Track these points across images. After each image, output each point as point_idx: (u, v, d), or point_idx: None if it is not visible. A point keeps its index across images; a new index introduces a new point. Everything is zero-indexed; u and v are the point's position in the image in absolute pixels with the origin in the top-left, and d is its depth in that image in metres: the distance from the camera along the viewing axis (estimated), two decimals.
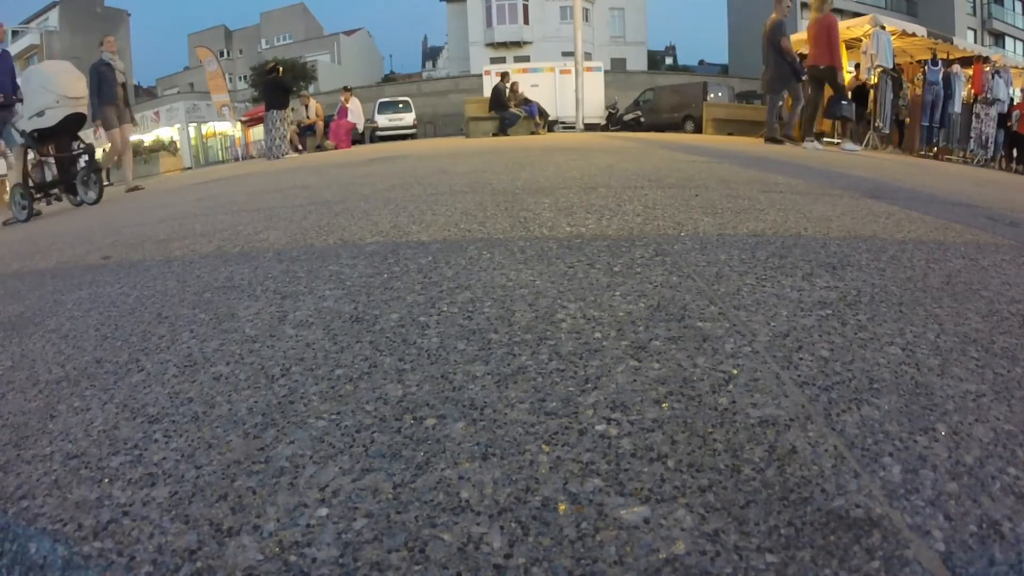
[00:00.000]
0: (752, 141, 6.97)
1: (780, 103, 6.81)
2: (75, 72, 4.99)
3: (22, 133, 4.77)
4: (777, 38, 6.27)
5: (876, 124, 7.90)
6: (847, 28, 9.55)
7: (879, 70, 7.76)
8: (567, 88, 15.55)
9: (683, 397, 0.78)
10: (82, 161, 5.00)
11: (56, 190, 4.97)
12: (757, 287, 1.17)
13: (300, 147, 10.52)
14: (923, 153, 8.43)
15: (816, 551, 0.54)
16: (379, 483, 0.65)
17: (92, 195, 4.88)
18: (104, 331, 1.19)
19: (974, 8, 28.36)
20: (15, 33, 33.54)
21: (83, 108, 4.97)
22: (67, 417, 0.85)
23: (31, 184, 4.86)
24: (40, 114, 4.65)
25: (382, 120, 17.62)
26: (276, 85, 9.78)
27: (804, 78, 6.48)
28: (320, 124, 11.60)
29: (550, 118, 12.71)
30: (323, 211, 2.22)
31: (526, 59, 25.27)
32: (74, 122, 4.89)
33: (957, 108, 8.87)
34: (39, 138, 4.79)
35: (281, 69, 10.60)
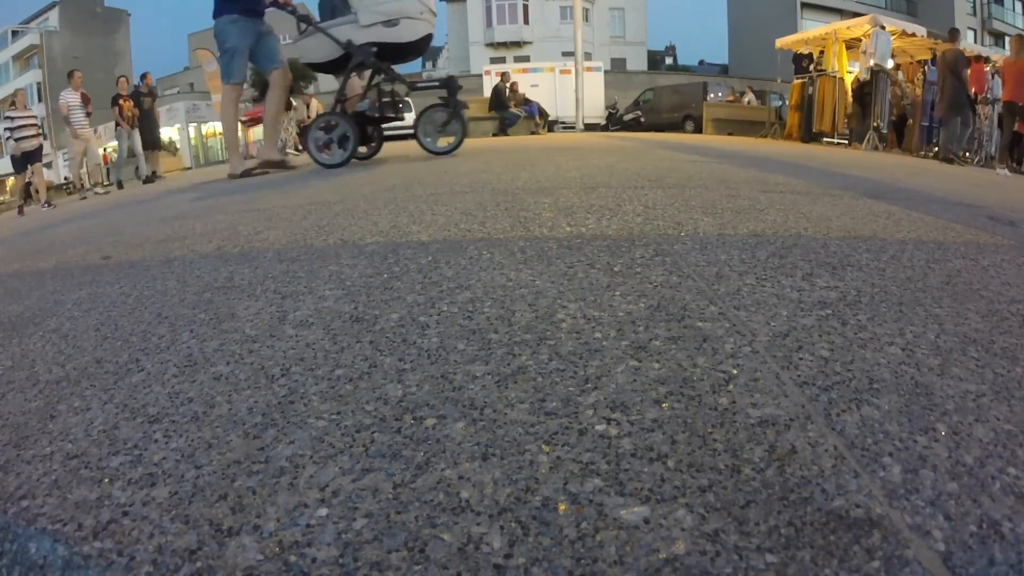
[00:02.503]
0: (752, 141, 6.98)
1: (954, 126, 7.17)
2: None
3: (347, 44, 3.50)
4: (960, 69, 7.07)
5: (875, 124, 7.91)
6: (847, 28, 9.56)
7: (875, 69, 7.79)
8: (567, 88, 15.54)
9: (683, 397, 0.78)
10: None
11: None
12: (757, 287, 1.17)
13: (300, 147, 10.51)
14: (923, 153, 8.43)
15: (816, 551, 0.54)
16: (379, 483, 0.65)
17: (446, 143, 3.74)
18: (104, 331, 1.19)
19: (974, 8, 28.37)
20: (15, 33, 33.55)
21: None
22: (67, 417, 0.85)
23: (351, 112, 3.67)
24: (392, 23, 3.50)
25: None
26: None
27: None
28: None
29: (550, 118, 12.71)
30: (323, 211, 2.22)
31: (526, 59, 25.27)
32: (426, 44, 3.77)
33: None
34: (380, 55, 3.58)
35: None
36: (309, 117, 11.25)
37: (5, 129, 7.76)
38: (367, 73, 3.93)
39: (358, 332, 1.04)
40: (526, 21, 27.82)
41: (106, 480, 0.69)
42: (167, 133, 24.97)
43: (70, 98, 7.86)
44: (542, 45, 27.07)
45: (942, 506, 0.60)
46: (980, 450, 0.68)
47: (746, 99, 15.11)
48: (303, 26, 3.85)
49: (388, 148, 5.16)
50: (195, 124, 24.72)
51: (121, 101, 8.34)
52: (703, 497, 0.61)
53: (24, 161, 7.74)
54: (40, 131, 7.91)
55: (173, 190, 4.50)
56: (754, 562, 0.53)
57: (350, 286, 1.28)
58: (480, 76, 19.58)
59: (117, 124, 8.43)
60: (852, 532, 0.56)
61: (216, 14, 3.85)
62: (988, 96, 9.07)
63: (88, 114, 8.09)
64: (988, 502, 0.60)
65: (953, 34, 7.87)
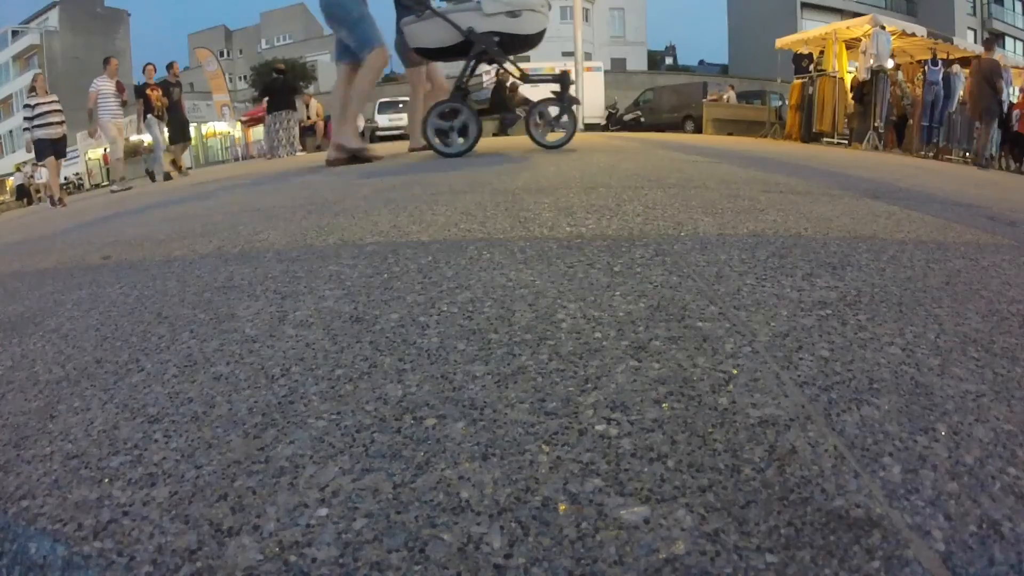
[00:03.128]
0: (752, 141, 6.99)
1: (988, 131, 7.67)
2: None
3: (469, 32, 3.40)
4: (995, 79, 7.52)
5: (875, 124, 7.92)
6: (847, 28, 9.56)
7: (875, 69, 7.82)
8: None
9: (683, 397, 0.78)
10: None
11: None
12: (757, 287, 1.17)
13: (302, 147, 10.52)
14: (923, 153, 8.44)
15: (816, 551, 0.54)
16: (379, 483, 0.65)
17: (557, 137, 3.73)
18: (104, 331, 1.19)
19: (974, 8, 28.37)
20: (15, 33, 33.55)
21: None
22: (67, 417, 0.85)
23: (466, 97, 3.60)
24: (515, 14, 3.43)
25: (382, 120, 17.62)
26: (284, 86, 9.84)
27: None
28: (320, 124, 11.61)
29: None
30: (323, 211, 2.22)
31: (526, 59, 25.24)
32: (540, 39, 3.64)
33: (953, 108, 8.89)
34: (500, 45, 3.48)
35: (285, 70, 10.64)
36: (309, 117, 11.26)
37: (26, 119, 7.03)
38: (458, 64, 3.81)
39: (358, 332, 1.04)
40: None
41: (106, 480, 0.69)
42: (166, 133, 25.03)
43: (102, 85, 7.30)
44: (542, 45, 27.02)
45: (942, 506, 0.60)
46: (980, 450, 0.68)
47: (725, 96, 15.12)
48: (418, 10, 3.69)
49: (389, 148, 5.15)
50: (195, 124, 24.70)
51: (149, 91, 7.93)
52: (703, 497, 0.61)
53: (50, 149, 7.05)
54: (64, 119, 7.21)
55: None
56: (754, 562, 0.53)
57: (350, 286, 1.28)
58: (480, 76, 19.57)
59: (146, 115, 7.93)
60: (852, 532, 0.56)
61: None
62: None
63: (123, 103, 7.61)
64: (988, 502, 0.60)
65: (989, 43, 8.21)
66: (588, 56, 17.57)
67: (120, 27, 36.38)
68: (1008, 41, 28.56)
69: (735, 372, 0.84)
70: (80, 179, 24.44)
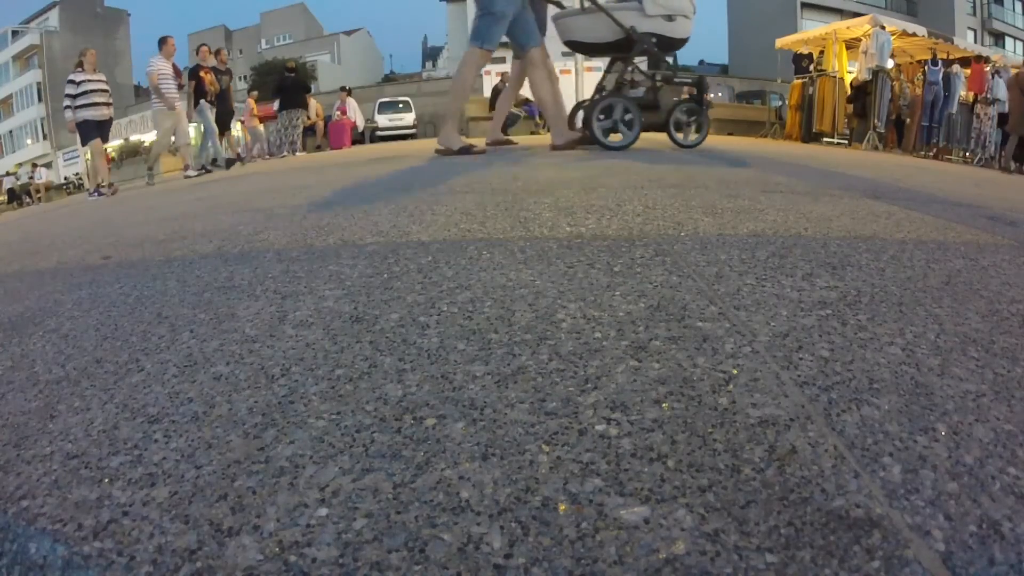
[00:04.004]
0: (752, 141, 7.00)
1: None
2: None
3: (631, 30, 3.56)
4: None
5: (874, 123, 7.92)
6: (847, 28, 9.56)
7: (875, 69, 7.82)
8: (567, 88, 15.53)
9: (683, 397, 0.78)
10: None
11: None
12: (757, 287, 1.17)
13: (301, 147, 10.53)
14: (923, 153, 8.44)
15: (816, 551, 0.54)
16: (379, 483, 0.65)
17: (693, 137, 3.91)
18: (104, 331, 1.19)
19: (974, 8, 28.36)
20: (15, 33, 33.55)
21: None
22: (67, 417, 0.85)
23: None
24: (671, 17, 3.62)
25: (382, 120, 17.61)
26: (296, 84, 9.82)
27: None
28: (320, 124, 11.61)
29: None
30: (323, 211, 2.22)
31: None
32: (684, 44, 3.84)
33: (953, 108, 8.90)
34: (659, 45, 3.68)
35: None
36: (309, 117, 11.25)
37: (68, 95, 6.16)
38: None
39: (358, 332, 1.04)
40: None
41: (106, 480, 0.69)
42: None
43: (161, 65, 6.65)
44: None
45: (942, 506, 0.60)
46: (980, 450, 0.68)
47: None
48: (578, 5, 3.79)
49: (388, 148, 5.15)
50: (195, 124, 24.73)
51: (203, 73, 7.31)
52: (703, 497, 0.61)
53: (96, 131, 6.25)
54: (112, 101, 6.47)
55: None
56: (754, 562, 0.53)
57: (350, 286, 1.28)
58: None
59: (198, 99, 7.29)
60: (852, 532, 0.56)
61: None
62: (988, 96, 9.07)
63: (180, 86, 6.95)
64: (988, 502, 0.60)
65: None
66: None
67: (120, 27, 36.38)
68: (1008, 41, 28.56)
69: (735, 372, 0.84)
70: (80, 179, 24.43)
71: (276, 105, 10.03)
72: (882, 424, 0.72)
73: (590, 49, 3.98)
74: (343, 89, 12.28)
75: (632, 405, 0.76)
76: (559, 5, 3.98)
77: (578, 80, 12.55)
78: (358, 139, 12.39)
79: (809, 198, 2.18)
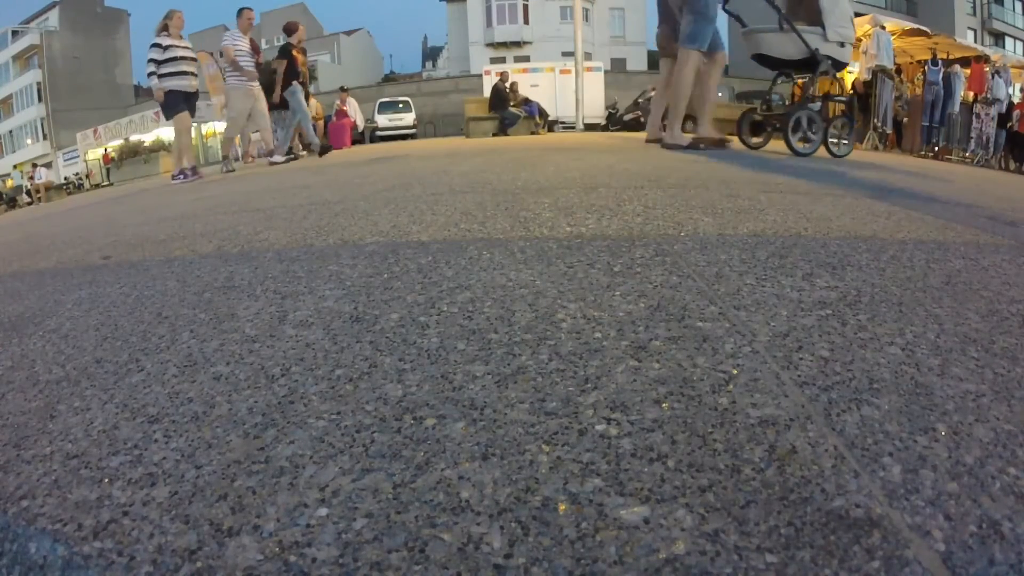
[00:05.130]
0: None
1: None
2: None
3: (815, 51, 4.00)
4: None
5: (875, 124, 7.91)
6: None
7: (876, 69, 7.80)
8: (567, 88, 15.55)
9: (683, 397, 0.78)
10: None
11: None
12: (757, 287, 1.17)
13: (301, 147, 10.52)
14: (923, 153, 8.44)
15: (816, 551, 0.54)
16: (379, 483, 0.65)
17: (844, 148, 4.28)
18: (104, 331, 1.19)
19: (974, 8, 28.36)
20: (15, 33, 33.56)
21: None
22: (67, 417, 0.85)
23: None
24: (843, 44, 4.06)
25: (382, 120, 17.63)
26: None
27: None
28: (320, 124, 11.61)
29: (550, 118, 12.72)
30: (323, 211, 2.22)
31: (526, 59, 25.29)
32: (843, 68, 4.40)
33: (955, 108, 8.89)
34: (833, 67, 4.16)
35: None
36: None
37: (152, 61, 5.45)
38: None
39: (358, 332, 1.04)
40: (526, 21, 27.83)
41: (106, 480, 0.69)
42: (167, 133, 24.96)
43: (238, 42, 5.99)
44: (542, 45, 27.07)
45: (942, 506, 0.59)
46: (980, 450, 0.68)
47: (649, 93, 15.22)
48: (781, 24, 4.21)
49: (388, 148, 5.14)
50: (195, 124, 24.73)
51: (295, 51, 6.62)
52: (703, 497, 0.61)
53: (183, 104, 5.63)
54: (198, 72, 5.82)
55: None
56: (754, 562, 0.53)
57: (350, 286, 1.28)
58: (480, 76, 19.59)
59: (289, 80, 6.64)
60: (852, 532, 0.56)
61: None
62: (988, 96, 9.07)
63: (259, 64, 6.27)
64: (988, 502, 0.60)
65: None
66: (588, 56, 17.57)
67: (120, 27, 36.37)
68: (1008, 41, 28.56)
69: (735, 372, 0.84)
70: (80, 179, 24.42)
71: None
72: (882, 424, 0.72)
73: (775, 64, 4.36)
74: (343, 89, 12.28)
75: (632, 405, 0.76)
76: (741, 22, 4.43)
77: (578, 80, 12.56)
78: (358, 139, 12.38)
79: (809, 198, 2.18)
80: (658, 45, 4.93)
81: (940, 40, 9.34)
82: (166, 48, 5.41)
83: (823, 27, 4.06)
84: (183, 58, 5.50)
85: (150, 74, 5.51)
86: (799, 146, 4.09)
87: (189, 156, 5.85)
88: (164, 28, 5.52)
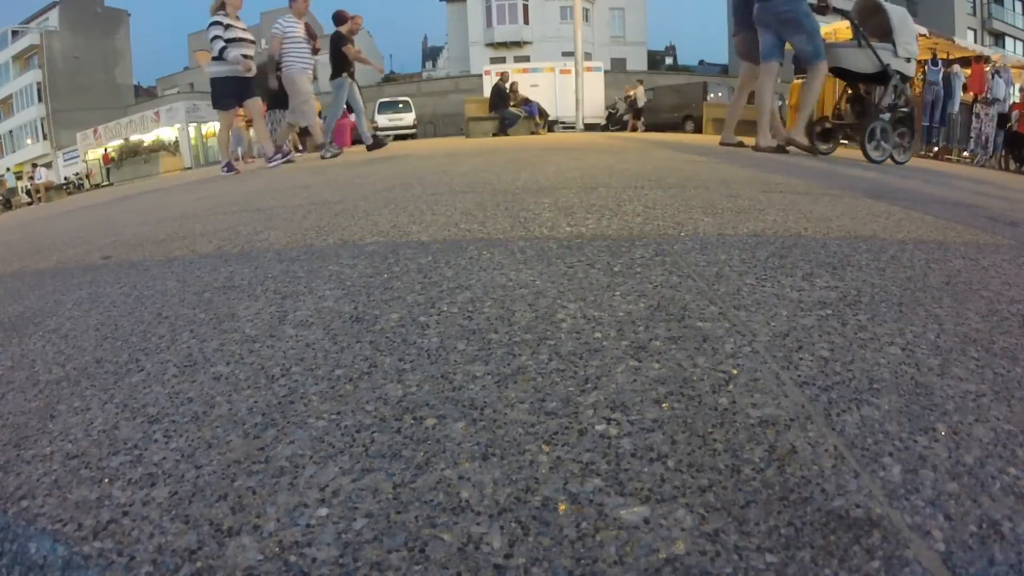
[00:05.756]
0: (752, 141, 7.01)
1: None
2: None
3: (887, 66, 4.38)
4: None
5: None
6: (847, 28, 9.55)
7: None
8: (567, 88, 15.57)
9: (683, 397, 0.78)
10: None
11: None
12: (757, 287, 1.17)
13: (300, 147, 10.51)
14: (923, 153, 8.43)
15: (816, 551, 0.54)
16: (379, 483, 0.65)
17: (905, 156, 4.68)
18: (104, 331, 1.19)
19: (974, 8, 28.36)
20: (15, 33, 33.56)
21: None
22: (67, 417, 0.85)
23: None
24: (909, 60, 4.54)
25: (382, 120, 17.64)
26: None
27: None
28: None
29: (550, 118, 12.72)
30: (323, 211, 2.22)
31: (526, 59, 25.29)
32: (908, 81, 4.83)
33: (956, 108, 8.89)
34: (902, 79, 4.58)
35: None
36: None
37: (216, 38, 5.09)
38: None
39: (358, 332, 1.04)
40: (526, 21, 27.84)
41: (106, 480, 0.69)
42: (167, 133, 25.00)
43: (289, 27, 5.56)
44: (542, 45, 27.08)
45: (942, 506, 0.60)
46: (980, 450, 0.68)
47: (633, 92, 15.27)
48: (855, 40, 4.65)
49: (388, 148, 5.14)
50: (195, 124, 24.71)
51: (348, 47, 6.26)
52: (703, 497, 0.61)
53: (247, 90, 5.22)
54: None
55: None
56: (754, 562, 0.53)
57: (350, 286, 1.28)
58: (480, 76, 19.59)
59: (339, 71, 6.32)
60: (852, 532, 0.56)
61: None
62: (988, 96, 9.07)
63: (315, 51, 5.90)
64: (988, 502, 0.60)
65: None
66: (588, 56, 17.59)
67: (120, 27, 36.37)
68: (1008, 41, 28.56)
69: (735, 372, 0.84)
70: (80, 179, 24.43)
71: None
72: (882, 424, 0.72)
73: (851, 76, 4.76)
74: None
75: (632, 405, 0.76)
76: (863, 37, 4.85)
77: (578, 80, 12.56)
78: (358, 139, 12.37)
79: (809, 198, 2.18)
80: (737, 52, 5.29)
81: (940, 41, 9.33)
82: (227, 27, 5.07)
83: (893, 44, 4.47)
84: (242, 40, 5.16)
85: (221, 49, 5.09)
86: (874, 154, 4.44)
87: (270, 141, 5.56)
88: (221, 6, 5.15)
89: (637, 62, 28.79)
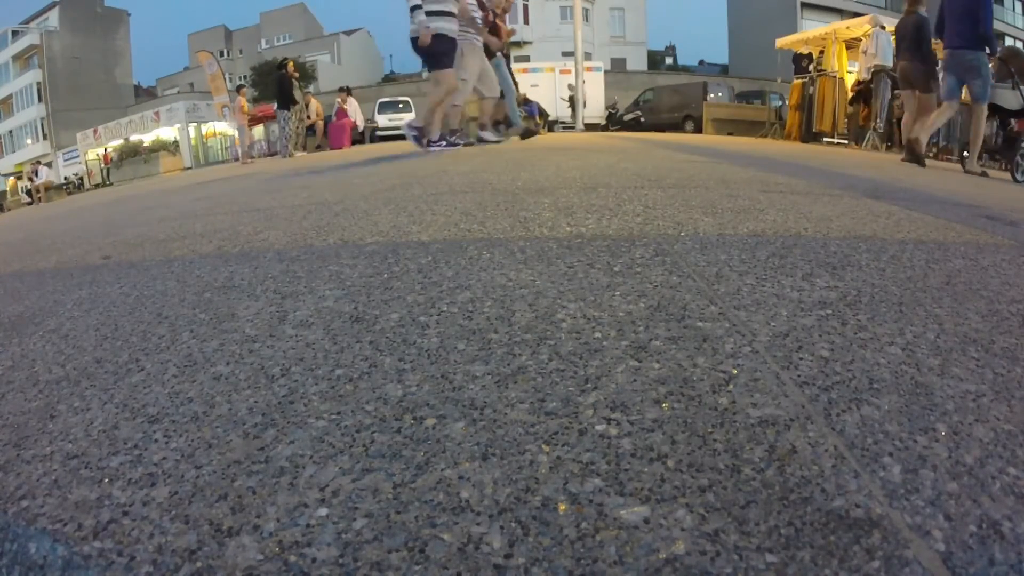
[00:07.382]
0: (752, 141, 7.01)
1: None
2: None
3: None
4: None
5: (874, 124, 7.91)
6: (847, 28, 9.56)
7: (876, 69, 7.79)
8: (567, 88, 15.56)
9: (683, 397, 0.78)
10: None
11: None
12: (757, 287, 1.17)
13: (301, 146, 10.52)
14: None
15: (816, 551, 0.54)
16: (379, 483, 0.65)
17: None
18: (104, 331, 1.19)
19: None
20: (15, 33, 33.55)
21: None
22: (67, 417, 0.85)
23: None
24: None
25: (382, 120, 17.62)
26: (282, 83, 9.66)
27: None
28: (320, 124, 11.61)
29: (550, 118, 12.72)
30: (323, 211, 2.22)
31: (526, 59, 25.27)
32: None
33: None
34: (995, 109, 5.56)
35: (292, 65, 10.23)
36: (309, 117, 11.25)
37: (415, 8, 4.40)
38: None
39: (358, 332, 1.04)
40: (526, 21, 27.84)
41: (106, 480, 0.69)
42: (167, 133, 24.99)
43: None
44: (542, 45, 27.09)
45: (942, 506, 0.60)
46: (980, 450, 0.68)
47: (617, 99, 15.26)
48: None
49: (388, 148, 5.13)
50: (195, 124, 24.71)
51: (498, 21, 5.73)
52: (703, 497, 0.61)
53: (453, 53, 4.57)
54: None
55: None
56: (754, 562, 0.53)
57: (350, 286, 1.28)
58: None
59: (490, 55, 5.45)
60: (852, 532, 0.56)
61: (974, 46, 5.02)
62: None
63: (486, 21, 5.30)
64: (988, 502, 0.60)
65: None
66: (588, 56, 17.59)
67: (120, 27, 36.36)
68: (1008, 41, 28.55)
69: (735, 372, 0.84)
70: (80, 179, 24.42)
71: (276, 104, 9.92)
72: (882, 424, 0.72)
73: (1005, 113, 5.85)
74: (342, 89, 12.27)
75: (632, 405, 0.76)
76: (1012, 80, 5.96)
77: (578, 80, 12.56)
78: (358, 139, 12.37)
79: (809, 198, 2.18)
80: (900, 77, 6.24)
81: (939, 42, 9.31)
82: None
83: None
84: (443, 13, 4.43)
85: (415, 8, 4.37)
86: (1021, 177, 5.17)
87: (439, 121, 4.83)
88: None
89: (637, 62, 28.81)
